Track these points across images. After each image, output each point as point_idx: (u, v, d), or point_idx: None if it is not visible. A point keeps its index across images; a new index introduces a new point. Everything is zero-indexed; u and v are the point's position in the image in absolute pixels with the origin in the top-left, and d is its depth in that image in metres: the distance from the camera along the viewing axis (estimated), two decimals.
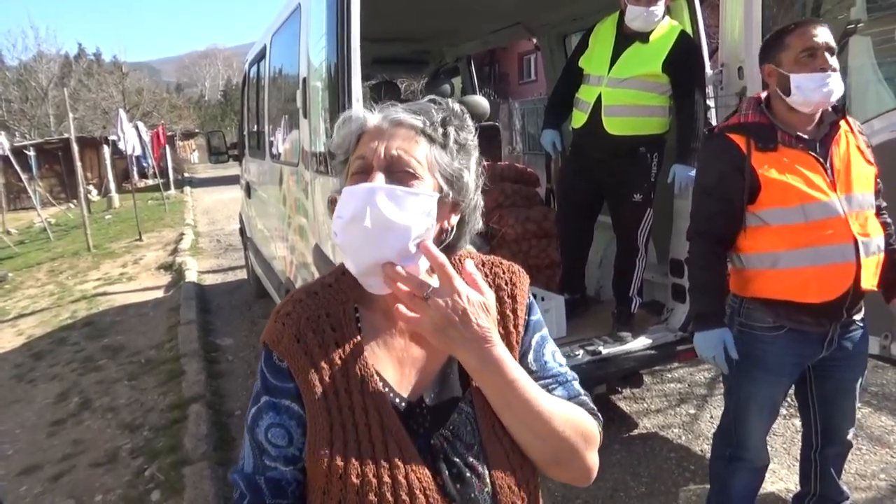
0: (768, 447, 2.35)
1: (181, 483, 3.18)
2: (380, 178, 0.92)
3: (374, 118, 0.98)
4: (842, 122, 2.07)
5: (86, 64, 36.74)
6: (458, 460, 0.94)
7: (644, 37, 3.03)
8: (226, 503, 3.06)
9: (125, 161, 17.07)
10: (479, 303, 0.89)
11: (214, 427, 3.77)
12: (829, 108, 2.06)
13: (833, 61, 1.96)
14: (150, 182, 21.12)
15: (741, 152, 2.01)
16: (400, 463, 0.90)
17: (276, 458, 0.94)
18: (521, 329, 1.05)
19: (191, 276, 7.71)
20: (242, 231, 6.62)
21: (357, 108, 1.03)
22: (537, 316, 1.09)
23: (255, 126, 4.99)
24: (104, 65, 39.64)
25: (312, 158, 2.76)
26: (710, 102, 3.22)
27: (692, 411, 3.60)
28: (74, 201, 17.36)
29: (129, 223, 12.81)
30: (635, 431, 3.42)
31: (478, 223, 1.05)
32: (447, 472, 0.93)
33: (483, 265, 1.10)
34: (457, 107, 1.02)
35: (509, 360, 0.92)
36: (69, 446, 3.79)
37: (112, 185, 18.68)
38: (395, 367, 0.99)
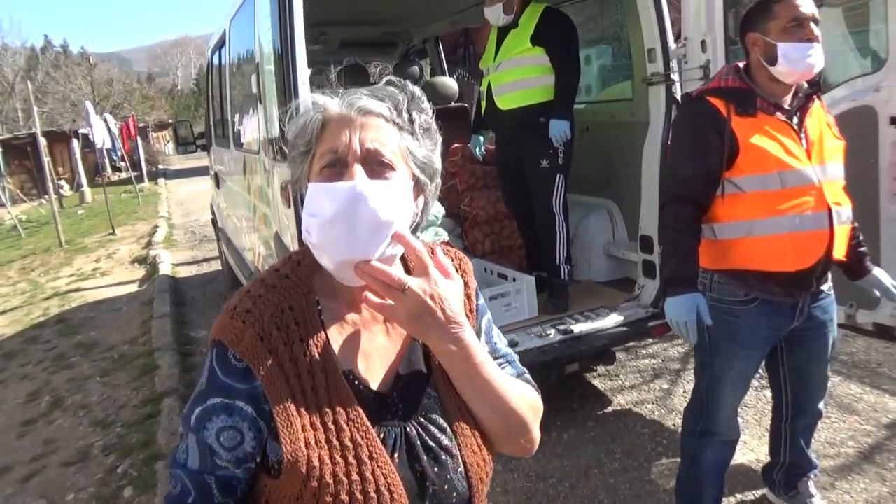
0: (739, 419, 2.36)
1: (154, 479, 3.14)
2: (360, 172, 0.90)
3: (336, 105, 0.95)
4: (814, 97, 2.07)
5: (53, 56, 35.95)
6: (433, 445, 0.95)
7: (516, 24, 3.43)
8: None
9: (96, 154, 16.77)
10: (450, 290, 0.92)
11: None
12: (804, 83, 2.06)
13: (818, 31, 1.95)
14: (124, 175, 20.77)
15: (721, 116, 1.99)
16: (367, 459, 0.90)
17: (227, 459, 0.91)
18: (474, 313, 1.08)
19: (165, 268, 7.62)
20: (214, 221, 6.54)
21: (316, 95, 0.97)
22: (482, 300, 1.12)
23: (220, 114, 4.90)
24: (72, 56, 38.82)
25: (269, 145, 2.71)
26: (675, 76, 3.21)
27: (665, 386, 3.62)
28: (46, 197, 17.05)
29: (101, 217, 12.62)
30: (609, 409, 3.43)
31: (434, 203, 1.06)
32: (425, 458, 0.94)
33: (433, 253, 1.10)
34: (416, 89, 0.99)
35: (476, 344, 0.95)
36: (40, 446, 3.73)
37: (83, 180, 18.35)
38: (361, 358, 0.97)
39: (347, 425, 0.91)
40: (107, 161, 15.67)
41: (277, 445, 0.89)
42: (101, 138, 12.22)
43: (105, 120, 13.45)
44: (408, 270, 0.97)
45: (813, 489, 2.47)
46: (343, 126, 0.93)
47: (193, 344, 5.15)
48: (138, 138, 18.86)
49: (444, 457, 0.95)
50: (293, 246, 2.37)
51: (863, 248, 2.18)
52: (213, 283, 6.95)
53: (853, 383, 3.46)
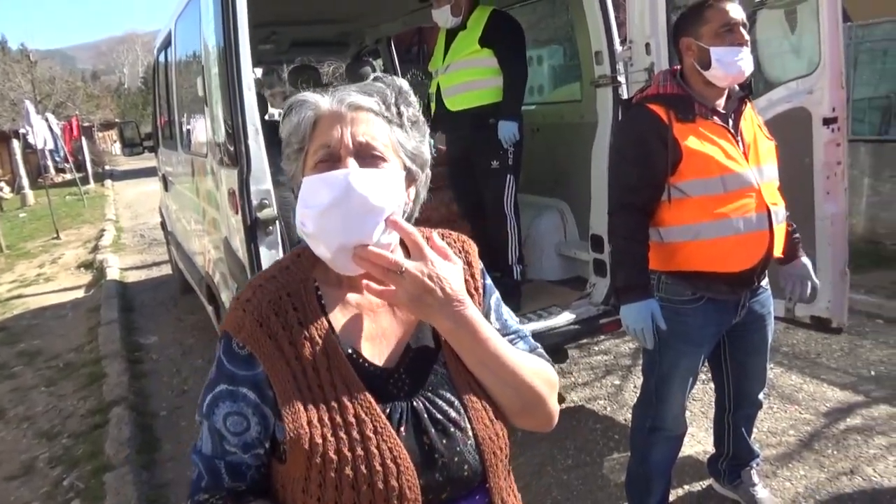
0: (687, 412, 2.43)
1: (102, 490, 3.06)
2: (353, 164, 0.94)
3: (327, 102, 0.99)
4: (746, 101, 2.14)
5: None
6: (441, 417, 0.97)
7: (464, 26, 3.45)
8: None
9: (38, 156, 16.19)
10: (448, 270, 0.95)
11: (138, 430, 3.64)
12: (736, 86, 2.12)
13: (747, 36, 2.02)
14: (68, 176, 20.09)
15: (663, 122, 2.02)
16: (371, 434, 0.92)
17: (234, 444, 0.95)
18: (480, 292, 1.11)
19: (112, 273, 7.41)
20: (163, 224, 6.39)
21: (307, 93, 1.01)
22: (489, 280, 1.16)
23: (167, 116, 4.79)
24: (11, 53, 37.27)
25: (217, 149, 2.66)
26: (621, 79, 3.28)
27: (617, 382, 3.70)
28: None
29: (45, 221, 12.20)
30: (562, 406, 3.49)
31: (424, 194, 1.09)
32: (433, 430, 0.96)
33: (430, 238, 1.13)
34: (403, 84, 1.04)
35: (480, 320, 0.98)
36: None
37: (25, 181, 17.69)
38: (366, 339, 1.01)
39: (350, 402, 0.93)
40: (49, 162, 15.12)
41: (284, 428, 0.92)
42: (41, 139, 11.82)
43: (46, 120, 13.01)
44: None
45: (756, 478, 2.57)
46: (335, 122, 0.97)
47: (143, 350, 5.03)
48: (83, 138, 18.28)
49: (452, 429, 0.97)
50: (241, 251, 2.34)
51: (797, 236, 2.27)
52: (164, 287, 6.79)
53: (794, 374, 3.60)
